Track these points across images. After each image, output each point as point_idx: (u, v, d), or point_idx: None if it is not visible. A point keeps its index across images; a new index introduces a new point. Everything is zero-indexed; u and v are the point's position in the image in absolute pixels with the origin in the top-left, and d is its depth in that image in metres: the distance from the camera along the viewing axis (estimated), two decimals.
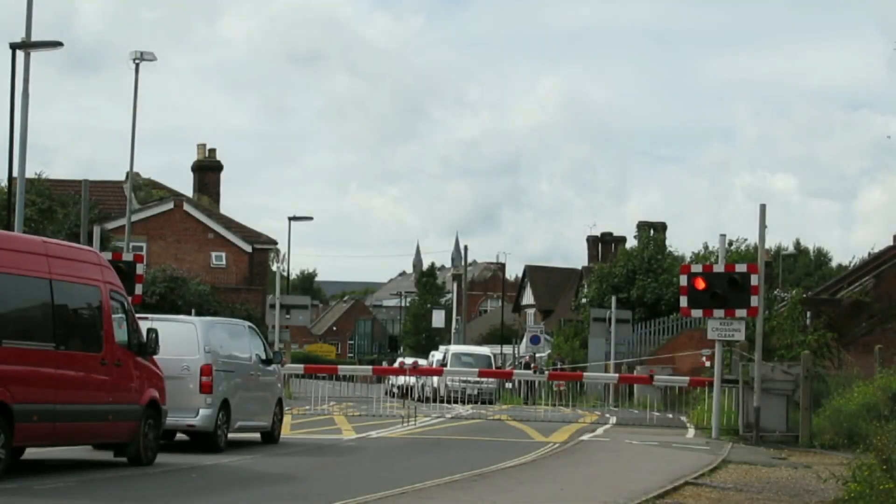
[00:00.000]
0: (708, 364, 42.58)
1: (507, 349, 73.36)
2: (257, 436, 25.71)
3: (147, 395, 20.03)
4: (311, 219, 65.61)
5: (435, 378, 51.63)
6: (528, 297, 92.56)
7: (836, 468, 19.38)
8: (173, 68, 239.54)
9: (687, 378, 37.08)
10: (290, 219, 64.22)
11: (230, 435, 23.71)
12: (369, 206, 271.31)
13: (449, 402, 46.29)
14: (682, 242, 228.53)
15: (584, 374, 43.74)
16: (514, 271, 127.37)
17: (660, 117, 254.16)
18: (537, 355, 59.22)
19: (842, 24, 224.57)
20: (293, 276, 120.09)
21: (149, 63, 43.56)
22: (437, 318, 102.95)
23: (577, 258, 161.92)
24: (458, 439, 28.03)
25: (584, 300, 66.62)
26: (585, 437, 29.18)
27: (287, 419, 29.42)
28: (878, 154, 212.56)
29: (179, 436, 23.28)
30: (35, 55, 32.64)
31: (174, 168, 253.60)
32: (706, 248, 63.04)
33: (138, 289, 29.40)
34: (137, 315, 20.76)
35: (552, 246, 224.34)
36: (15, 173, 33.35)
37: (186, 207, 60.24)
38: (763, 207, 30.88)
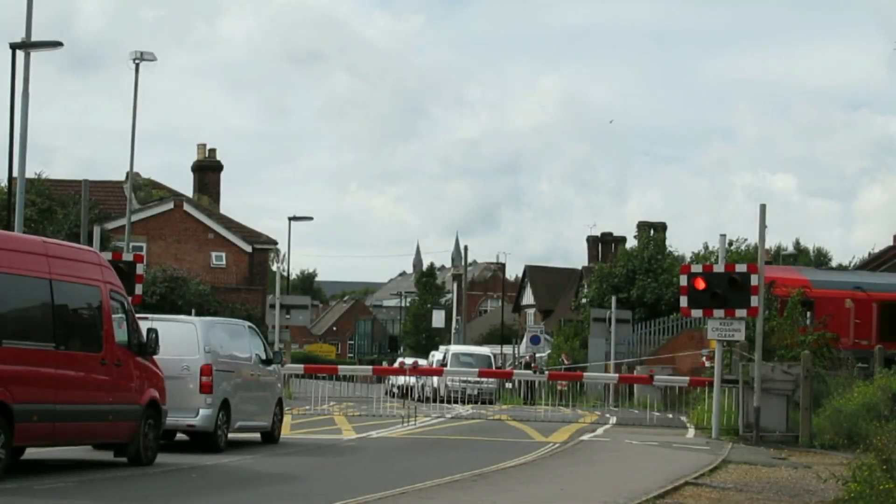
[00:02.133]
0: (708, 364, 42.73)
1: (507, 349, 73.36)
2: (257, 436, 25.71)
3: (147, 395, 20.03)
4: (311, 219, 65.60)
5: (435, 378, 51.62)
6: (528, 297, 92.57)
7: (836, 468, 19.39)
8: (173, 68, 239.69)
9: (687, 378, 37.10)
10: (290, 219, 64.21)
11: (230, 435, 23.71)
12: (369, 206, 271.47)
13: (449, 402, 46.28)
14: (682, 242, 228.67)
15: (584, 374, 43.75)
16: (514, 271, 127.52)
17: (660, 117, 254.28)
18: (537, 355, 59.19)
19: (842, 24, 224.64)
20: (293, 276, 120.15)
21: (149, 63, 43.60)
22: (437, 318, 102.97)
23: (577, 258, 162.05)
24: (459, 439, 28.03)
25: (584, 300, 66.62)
26: (585, 437, 29.19)
27: (287, 419, 29.42)
28: (878, 154, 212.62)
29: (179, 436, 23.29)
30: (35, 55, 32.66)
31: (174, 168, 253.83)
32: (706, 248, 63.05)
33: (138, 289, 29.41)
34: (137, 315, 20.76)
35: (552, 246, 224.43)
36: (15, 173, 33.37)
37: (186, 207, 60.26)
38: (763, 207, 30.89)
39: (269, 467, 20.43)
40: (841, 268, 72.57)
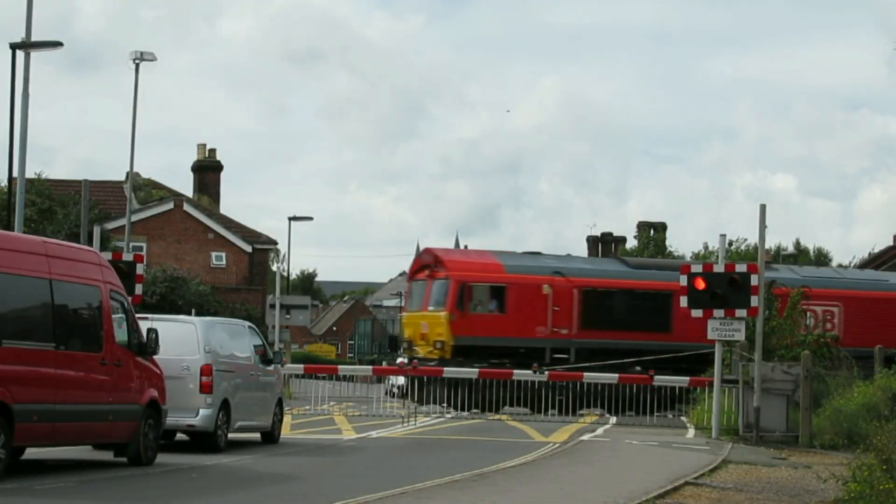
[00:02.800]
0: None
1: None
2: (257, 436, 25.72)
3: (147, 395, 20.04)
4: (311, 219, 65.46)
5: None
6: None
7: (836, 468, 19.40)
8: (173, 68, 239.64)
9: (687, 378, 37.08)
10: (290, 219, 64.14)
11: (230, 435, 23.72)
12: (369, 205, 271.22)
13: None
14: (682, 242, 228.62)
15: (584, 374, 43.72)
16: None
17: (660, 117, 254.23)
18: None
19: (842, 24, 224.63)
20: (293, 276, 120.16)
21: (149, 63, 43.61)
22: None
23: None
24: (459, 439, 28.04)
25: None
26: (585, 437, 29.19)
27: (287, 419, 29.43)
28: (878, 154, 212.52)
29: (179, 436, 23.30)
30: (35, 55, 32.64)
31: (174, 168, 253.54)
32: (706, 248, 63.10)
33: (138, 289, 29.41)
34: (137, 315, 20.77)
35: (552, 246, 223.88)
36: (15, 173, 33.35)
37: (186, 207, 60.26)
38: (763, 207, 30.89)
39: (269, 467, 20.43)
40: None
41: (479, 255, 45.18)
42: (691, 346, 38.76)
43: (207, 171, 65.06)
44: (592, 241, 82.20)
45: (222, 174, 66.12)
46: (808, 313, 41.08)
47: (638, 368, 39.60)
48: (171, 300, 50.81)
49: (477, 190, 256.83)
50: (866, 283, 46.53)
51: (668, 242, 67.92)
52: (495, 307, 42.02)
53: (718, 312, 29.71)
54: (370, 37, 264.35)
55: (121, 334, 19.52)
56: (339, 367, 49.92)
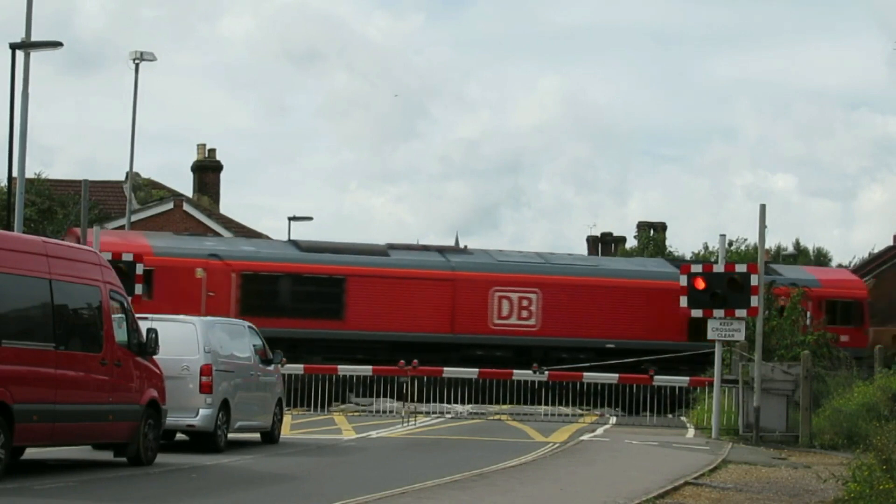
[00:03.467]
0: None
1: None
2: (257, 436, 25.71)
3: (147, 395, 20.03)
4: (310, 219, 65.23)
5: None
6: None
7: (836, 468, 19.39)
8: (173, 68, 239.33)
9: (687, 378, 37.05)
10: (290, 219, 64.02)
11: (230, 435, 23.71)
12: (369, 205, 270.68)
13: (449, 402, 46.17)
14: (682, 242, 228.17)
15: (584, 374, 43.68)
16: None
17: (660, 117, 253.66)
18: None
19: (842, 24, 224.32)
20: None
21: (149, 63, 43.63)
22: None
23: None
24: (458, 439, 28.03)
25: None
26: (585, 437, 29.18)
27: (287, 419, 29.42)
28: (879, 154, 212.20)
29: (179, 436, 23.29)
30: (35, 54, 32.64)
31: (174, 168, 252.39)
32: (706, 248, 63.07)
33: (138, 289, 29.39)
34: (137, 315, 20.76)
35: (552, 246, 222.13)
36: (15, 173, 33.34)
37: (186, 207, 60.17)
38: (763, 207, 30.87)
39: (269, 467, 20.42)
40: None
41: (127, 236, 42.63)
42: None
43: (207, 171, 64.94)
44: (592, 241, 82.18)
45: (222, 174, 66.06)
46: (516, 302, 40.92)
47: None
48: None
49: (477, 190, 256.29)
50: (568, 269, 43.88)
51: (668, 242, 67.82)
52: (142, 292, 40.31)
53: (718, 312, 29.70)
54: (370, 36, 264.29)
55: (121, 334, 19.51)
56: (339, 367, 49.83)
